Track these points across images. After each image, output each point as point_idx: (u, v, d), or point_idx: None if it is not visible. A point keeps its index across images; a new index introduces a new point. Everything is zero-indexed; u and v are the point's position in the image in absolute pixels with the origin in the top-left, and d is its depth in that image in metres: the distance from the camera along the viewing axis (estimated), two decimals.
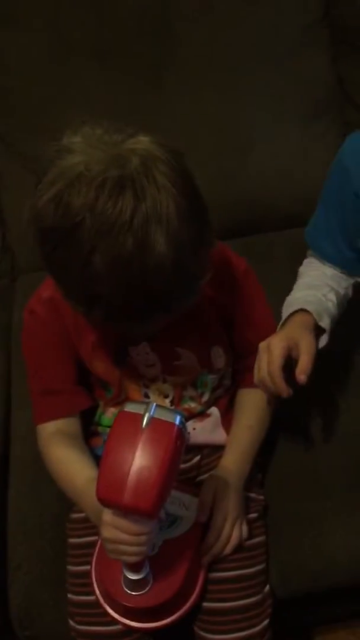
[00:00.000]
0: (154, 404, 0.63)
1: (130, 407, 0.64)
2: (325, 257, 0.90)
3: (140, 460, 0.61)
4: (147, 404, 0.63)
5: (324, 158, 0.95)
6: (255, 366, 0.78)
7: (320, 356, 0.79)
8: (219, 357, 0.83)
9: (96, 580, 0.76)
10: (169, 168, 0.62)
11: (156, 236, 0.60)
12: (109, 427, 0.83)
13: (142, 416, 0.62)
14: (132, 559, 0.67)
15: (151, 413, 0.62)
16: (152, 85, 1.16)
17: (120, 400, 0.82)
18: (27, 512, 0.89)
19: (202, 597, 0.77)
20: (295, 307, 0.82)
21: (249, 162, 1.19)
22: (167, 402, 0.82)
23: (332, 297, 0.86)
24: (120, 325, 0.69)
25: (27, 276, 1.17)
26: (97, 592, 0.75)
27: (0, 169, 1.19)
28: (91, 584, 0.76)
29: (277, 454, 0.90)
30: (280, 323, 0.83)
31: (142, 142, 0.63)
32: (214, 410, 0.85)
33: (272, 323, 0.84)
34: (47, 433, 0.82)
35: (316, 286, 0.87)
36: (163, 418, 0.62)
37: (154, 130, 0.65)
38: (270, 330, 0.82)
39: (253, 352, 0.80)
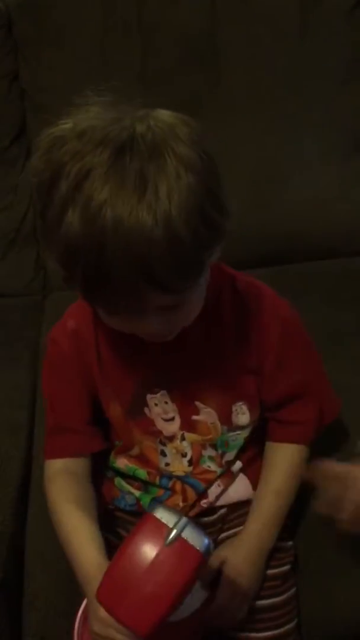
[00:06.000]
0: (185, 520, 0.58)
1: (160, 513, 0.58)
2: None
3: (150, 579, 0.56)
4: (180, 517, 0.58)
5: None
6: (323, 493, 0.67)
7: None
8: (242, 415, 0.75)
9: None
10: (188, 148, 0.56)
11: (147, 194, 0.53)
12: (119, 472, 0.79)
13: (169, 530, 0.57)
14: None
15: (179, 530, 0.57)
16: (192, 112, 1.15)
17: (132, 453, 0.77)
18: (46, 540, 0.83)
19: None
20: None
21: (286, 192, 1.18)
22: (185, 461, 0.76)
23: None
24: (109, 300, 0.59)
25: (58, 294, 1.17)
26: None
27: None
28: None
29: (306, 499, 0.83)
30: None
31: (161, 114, 0.58)
32: (237, 466, 0.78)
33: (310, 372, 0.76)
34: (54, 469, 0.77)
35: None
36: (190, 541, 0.57)
37: None
38: (304, 384, 0.75)
39: (284, 404, 0.75)
